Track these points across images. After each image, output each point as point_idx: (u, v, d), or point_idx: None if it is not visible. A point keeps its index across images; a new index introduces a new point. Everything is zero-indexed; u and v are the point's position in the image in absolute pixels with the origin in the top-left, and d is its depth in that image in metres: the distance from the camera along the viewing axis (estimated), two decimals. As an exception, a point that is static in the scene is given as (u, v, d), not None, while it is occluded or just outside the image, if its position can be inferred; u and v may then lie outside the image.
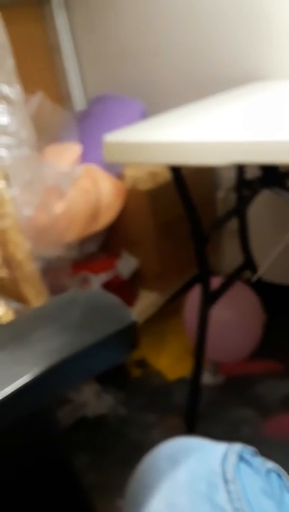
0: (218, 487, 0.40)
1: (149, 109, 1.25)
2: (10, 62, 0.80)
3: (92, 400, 1.08)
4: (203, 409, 1.11)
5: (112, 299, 0.43)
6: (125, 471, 0.97)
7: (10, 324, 0.45)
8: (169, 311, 1.37)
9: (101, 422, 1.10)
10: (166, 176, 1.16)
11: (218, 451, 0.43)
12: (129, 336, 0.40)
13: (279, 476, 0.45)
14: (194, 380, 1.08)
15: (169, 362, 1.28)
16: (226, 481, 0.40)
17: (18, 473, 0.45)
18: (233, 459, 0.42)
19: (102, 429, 1.10)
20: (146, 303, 1.23)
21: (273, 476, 0.44)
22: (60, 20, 1.37)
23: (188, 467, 0.42)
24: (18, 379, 0.33)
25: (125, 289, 1.21)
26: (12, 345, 0.38)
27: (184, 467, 0.42)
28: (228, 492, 0.39)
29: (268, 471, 0.44)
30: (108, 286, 1.16)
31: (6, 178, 0.83)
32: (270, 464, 0.45)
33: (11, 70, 0.80)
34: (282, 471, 0.45)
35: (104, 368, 0.40)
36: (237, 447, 0.44)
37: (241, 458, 0.43)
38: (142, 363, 1.29)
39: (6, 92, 0.78)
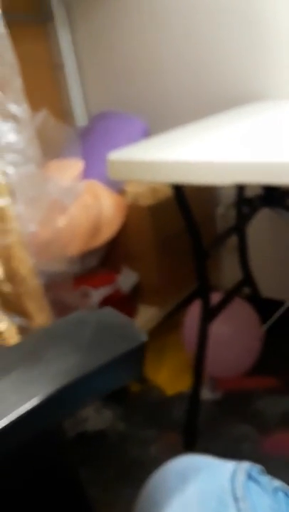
0: (228, 505, 0.40)
1: (151, 127, 1.27)
2: (18, 82, 0.82)
3: (92, 414, 1.08)
4: (202, 425, 1.11)
5: (122, 318, 0.43)
6: (123, 486, 0.97)
7: (22, 344, 0.46)
8: (168, 325, 1.37)
9: (100, 437, 1.10)
10: (167, 192, 1.17)
11: (226, 469, 0.44)
12: (140, 355, 0.41)
13: (286, 494, 0.45)
14: (194, 396, 1.09)
15: (168, 377, 1.28)
16: (235, 499, 0.40)
17: (26, 487, 0.45)
18: (241, 477, 0.42)
19: (102, 444, 1.09)
20: (145, 317, 1.24)
21: (280, 494, 0.44)
22: (64, 39, 1.40)
23: (198, 485, 0.43)
24: (30, 399, 0.34)
25: (125, 304, 1.22)
26: (24, 365, 0.38)
27: (194, 485, 0.43)
28: (239, 510, 0.39)
29: (275, 489, 0.44)
30: (108, 300, 1.16)
31: (12, 194, 0.84)
32: (277, 483, 0.45)
33: (18, 89, 0.81)
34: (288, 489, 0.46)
35: (115, 387, 0.41)
36: (245, 465, 0.44)
37: (250, 476, 0.43)
38: (142, 378, 1.29)
39: (14, 111, 0.79)
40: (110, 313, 0.46)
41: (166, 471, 0.47)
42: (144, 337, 0.41)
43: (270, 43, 1.15)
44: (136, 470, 1.02)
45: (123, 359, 0.39)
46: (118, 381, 0.42)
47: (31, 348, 0.41)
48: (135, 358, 0.41)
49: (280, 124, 0.92)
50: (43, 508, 0.47)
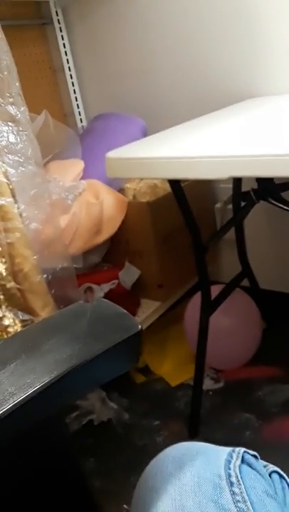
0: (223, 489, 0.41)
1: (148, 127, 1.29)
2: (17, 84, 0.84)
3: (98, 406, 1.11)
4: (204, 415, 1.14)
5: (118, 308, 0.45)
6: (129, 475, 1.00)
7: (21, 335, 0.47)
8: (170, 319, 1.40)
9: (106, 428, 1.13)
10: (166, 188, 1.20)
11: (222, 455, 0.45)
12: (136, 344, 0.42)
13: (281, 478, 0.46)
14: (196, 386, 1.11)
15: (171, 368, 1.31)
16: (230, 484, 0.41)
17: (26, 477, 0.47)
18: (236, 462, 0.43)
19: (107, 435, 1.12)
20: (148, 311, 1.26)
21: (276, 478, 0.46)
22: (62, 42, 1.43)
23: (194, 470, 0.44)
24: (29, 388, 0.35)
25: (128, 299, 1.24)
26: (23, 355, 0.39)
27: (190, 470, 0.44)
28: (233, 494, 0.40)
29: (271, 474, 0.46)
30: (111, 296, 1.19)
31: (14, 194, 0.86)
32: (273, 467, 0.47)
33: (18, 92, 0.84)
34: (284, 474, 0.47)
35: (112, 376, 0.42)
36: (240, 451, 0.45)
37: (244, 461, 0.44)
38: (145, 370, 1.32)
39: (14, 113, 0.82)
40: (106, 304, 0.47)
41: (163, 458, 0.48)
42: (139, 326, 0.42)
43: (262, 41, 1.17)
44: (141, 459, 1.04)
45: (120, 348, 0.40)
46: (115, 370, 0.43)
47: (29, 338, 0.43)
48: (131, 346, 0.42)
49: (272, 119, 0.94)
50: (45, 500, 0.48)
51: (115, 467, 1.05)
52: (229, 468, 0.43)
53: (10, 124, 0.84)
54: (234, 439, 1.07)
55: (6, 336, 0.87)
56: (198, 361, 1.10)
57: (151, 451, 1.08)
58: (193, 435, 1.10)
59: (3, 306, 0.88)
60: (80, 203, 1.11)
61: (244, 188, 1.11)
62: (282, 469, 0.48)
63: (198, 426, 1.11)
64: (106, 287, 1.20)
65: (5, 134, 0.82)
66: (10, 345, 0.42)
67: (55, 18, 1.40)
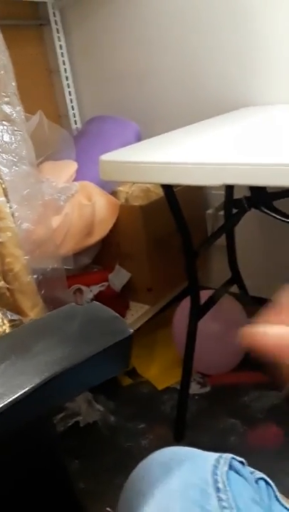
0: (210, 495, 0.41)
1: (142, 132, 1.30)
2: (13, 84, 0.84)
3: (84, 407, 1.11)
4: (190, 419, 1.14)
5: (109, 312, 0.45)
6: (114, 477, 1.00)
7: (11, 335, 0.47)
8: (158, 322, 1.40)
9: (91, 430, 1.13)
10: (158, 192, 1.20)
11: (209, 461, 0.45)
12: (127, 348, 0.42)
13: (267, 485, 0.46)
14: (183, 390, 1.12)
15: (158, 372, 1.31)
16: (217, 490, 0.41)
17: (15, 477, 0.47)
18: (224, 468, 0.44)
19: (92, 437, 1.12)
20: (137, 315, 1.26)
21: (262, 485, 0.46)
22: (58, 43, 1.43)
23: (181, 475, 0.44)
24: (19, 389, 0.35)
25: (117, 301, 1.25)
26: (14, 356, 0.39)
27: (177, 475, 0.44)
28: (220, 500, 0.40)
29: (257, 480, 0.46)
30: (100, 297, 1.19)
31: (6, 193, 0.86)
32: (259, 474, 0.47)
33: (13, 92, 0.84)
34: (270, 481, 0.47)
35: (102, 379, 0.42)
36: (227, 457, 0.45)
37: (232, 467, 0.44)
38: (132, 373, 1.32)
39: (9, 112, 0.82)
40: (98, 307, 0.47)
41: (151, 462, 0.48)
42: (129, 330, 0.42)
43: (258, 52, 1.19)
44: (126, 462, 1.05)
45: (110, 351, 0.40)
46: (105, 373, 0.44)
47: (20, 340, 0.42)
48: (122, 350, 0.42)
49: (267, 128, 0.95)
50: (31, 500, 0.48)
51: (100, 469, 1.05)
52: (216, 474, 0.43)
53: (5, 123, 0.84)
54: (219, 443, 1.07)
55: (-6, 336, 0.87)
56: (185, 365, 1.10)
57: (136, 454, 1.09)
58: (178, 439, 1.11)
59: (-8, 306, 0.88)
60: (72, 204, 1.11)
61: (236, 195, 1.12)
62: (266, 474, 0.48)
63: (184, 430, 1.12)
64: (95, 289, 1.20)
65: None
66: (0, 345, 0.41)
67: (52, 20, 1.40)
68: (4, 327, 0.88)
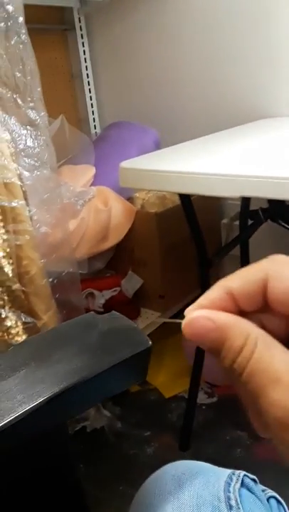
0: None
1: (162, 139, 1.30)
2: (38, 89, 0.85)
3: (92, 413, 1.11)
4: (196, 428, 1.14)
5: (129, 322, 0.45)
6: (117, 483, 1.00)
7: (30, 343, 0.47)
8: (168, 330, 1.40)
9: (98, 435, 1.13)
10: (174, 200, 1.21)
11: (222, 477, 0.44)
12: (145, 359, 0.42)
13: (279, 503, 0.46)
14: (190, 399, 1.12)
15: (166, 380, 1.31)
16: (229, 507, 0.41)
17: (29, 483, 0.47)
18: (236, 485, 0.43)
19: (98, 442, 1.12)
20: (147, 321, 1.27)
21: (273, 503, 0.46)
22: (82, 49, 1.44)
23: (194, 490, 0.43)
24: (36, 398, 0.35)
25: (128, 307, 1.25)
26: (33, 364, 0.39)
27: (189, 490, 0.43)
28: None
29: (269, 499, 0.46)
30: (112, 303, 1.20)
31: (26, 196, 0.87)
32: (271, 492, 0.47)
33: (38, 97, 0.85)
34: (282, 500, 0.47)
35: (119, 390, 0.42)
36: (240, 474, 0.45)
37: (244, 484, 0.44)
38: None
39: (33, 117, 0.83)
40: (118, 317, 0.46)
41: (162, 475, 0.47)
42: (149, 342, 0.42)
43: (280, 62, 1.18)
44: (131, 468, 1.05)
45: (129, 363, 0.40)
46: (123, 384, 0.44)
47: (40, 347, 0.43)
48: (140, 362, 0.42)
49: (287, 141, 0.95)
50: (42, 503, 0.48)
51: (104, 475, 1.05)
52: (229, 491, 0.43)
53: (29, 128, 0.84)
54: (225, 455, 1.07)
55: (7, 337, 0.88)
56: (194, 375, 1.10)
57: (140, 461, 1.08)
58: (183, 448, 1.10)
59: (7, 307, 0.88)
60: (88, 209, 1.12)
61: (252, 206, 1.11)
62: (271, 488, 0.48)
63: (190, 439, 1.11)
64: (107, 294, 1.20)
65: (23, 138, 0.82)
66: (20, 353, 0.42)
67: (77, 25, 1.41)
68: (18, 329, 0.89)
